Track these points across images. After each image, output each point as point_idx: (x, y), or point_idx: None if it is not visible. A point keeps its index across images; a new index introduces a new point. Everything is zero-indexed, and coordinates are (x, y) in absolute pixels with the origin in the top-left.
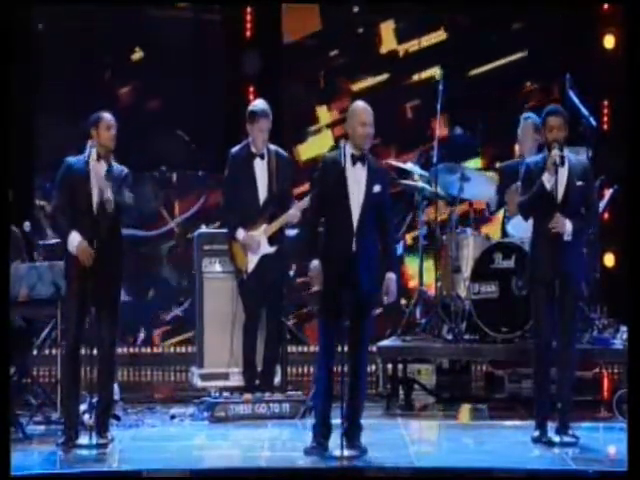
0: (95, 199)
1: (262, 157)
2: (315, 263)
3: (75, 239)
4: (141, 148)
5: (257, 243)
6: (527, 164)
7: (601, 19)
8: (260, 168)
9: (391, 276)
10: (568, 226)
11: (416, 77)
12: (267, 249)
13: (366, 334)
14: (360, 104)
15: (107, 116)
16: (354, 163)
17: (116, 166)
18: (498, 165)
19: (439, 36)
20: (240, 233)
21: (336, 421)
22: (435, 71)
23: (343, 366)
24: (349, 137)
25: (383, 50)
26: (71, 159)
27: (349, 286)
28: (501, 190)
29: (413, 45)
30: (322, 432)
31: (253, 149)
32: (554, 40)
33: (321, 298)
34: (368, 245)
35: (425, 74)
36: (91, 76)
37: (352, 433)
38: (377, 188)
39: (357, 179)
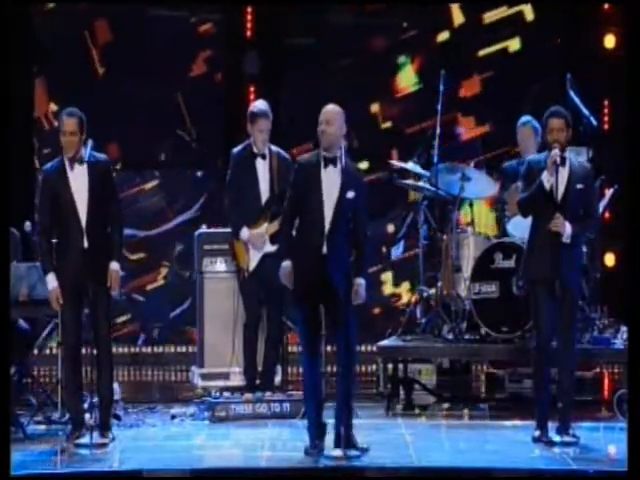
0: (79, 207)
1: (264, 157)
2: (286, 263)
3: (51, 282)
4: (141, 147)
5: (262, 239)
6: (529, 161)
7: (601, 19)
8: (262, 168)
9: (360, 282)
10: (568, 228)
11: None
12: (268, 248)
13: (350, 334)
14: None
15: (65, 120)
16: (326, 165)
17: (95, 157)
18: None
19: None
20: (244, 232)
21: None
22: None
23: (337, 367)
24: None
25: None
26: (47, 168)
27: (322, 288)
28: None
29: (485, 18)
30: (316, 433)
31: (255, 149)
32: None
33: (296, 300)
34: (339, 247)
35: (498, 46)
36: (91, 75)
37: (345, 433)
38: (351, 194)
39: (330, 182)
